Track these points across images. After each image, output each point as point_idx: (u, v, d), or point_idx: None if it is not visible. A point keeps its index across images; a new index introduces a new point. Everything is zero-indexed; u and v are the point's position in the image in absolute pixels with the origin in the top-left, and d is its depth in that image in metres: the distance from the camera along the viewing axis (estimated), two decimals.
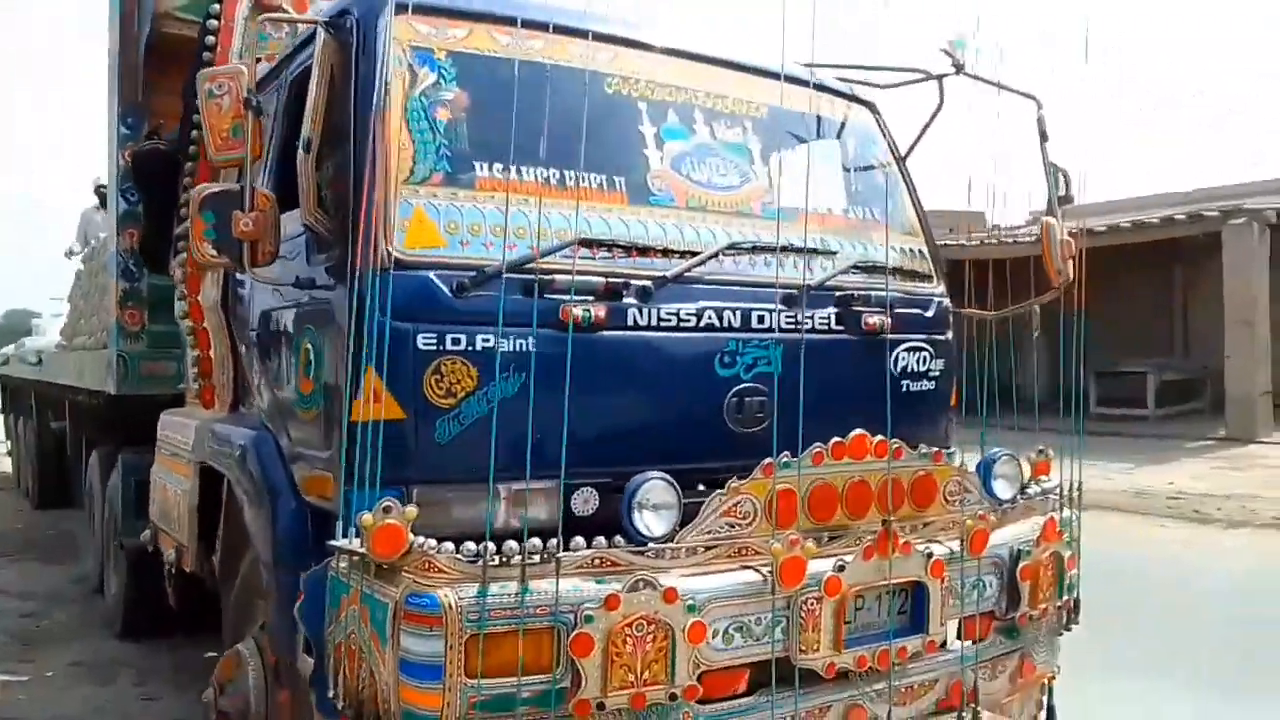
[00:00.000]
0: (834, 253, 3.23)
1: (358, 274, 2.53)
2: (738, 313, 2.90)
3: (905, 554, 2.70)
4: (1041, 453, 3.57)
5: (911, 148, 3.93)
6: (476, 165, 2.71)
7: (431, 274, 2.56)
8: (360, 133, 2.64)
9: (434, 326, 2.52)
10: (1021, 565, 3.00)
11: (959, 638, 3.02)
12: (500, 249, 2.49)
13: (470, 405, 2.53)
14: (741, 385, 2.87)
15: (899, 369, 3.29)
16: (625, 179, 2.93)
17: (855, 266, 3.26)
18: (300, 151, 2.64)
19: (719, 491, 2.50)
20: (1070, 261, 3.56)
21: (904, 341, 3.31)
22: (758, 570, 2.47)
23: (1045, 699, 3.51)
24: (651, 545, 2.40)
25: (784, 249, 2.92)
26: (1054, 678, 3.41)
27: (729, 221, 3.07)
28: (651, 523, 2.42)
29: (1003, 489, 3.16)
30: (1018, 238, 13.89)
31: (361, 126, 2.64)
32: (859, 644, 2.65)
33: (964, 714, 2.89)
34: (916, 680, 2.83)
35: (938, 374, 3.44)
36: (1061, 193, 3.73)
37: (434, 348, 2.51)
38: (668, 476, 2.48)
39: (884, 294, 3.18)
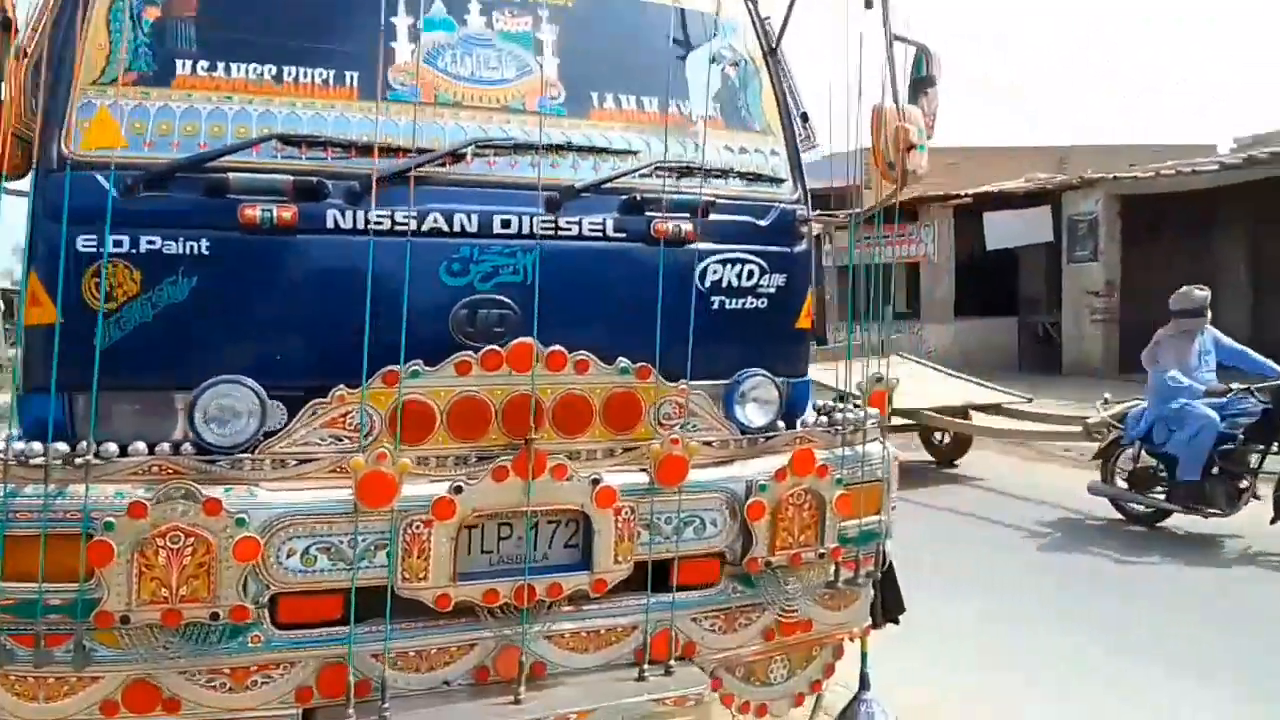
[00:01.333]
0: (630, 152, 2.88)
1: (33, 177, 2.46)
2: (474, 216, 2.60)
3: (558, 479, 2.38)
4: (880, 380, 3.13)
5: (780, 35, 3.49)
6: (181, 63, 2.56)
7: (97, 175, 2.44)
8: (58, 36, 2.56)
9: (94, 228, 2.41)
10: (750, 502, 2.61)
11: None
12: (188, 149, 2.36)
13: (133, 310, 2.40)
14: (475, 296, 2.59)
15: (707, 283, 2.91)
16: (359, 74, 2.71)
17: (660, 167, 2.91)
18: (10, 59, 2.58)
19: (319, 400, 2.28)
20: (910, 155, 3.07)
21: (716, 253, 2.92)
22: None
23: (860, 667, 3.10)
24: (232, 456, 2.21)
25: (544, 147, 2.64)
26: (855, 639, 2.98)
27: (489, 118, 2.79)
28: (219, 433, 2.23)
29: (754, 415, 2.76)
30: (1196, 167, 12.92)
31: (63, 29, 2.55)
32: (497, 577, 2.37)
33: (670, 667, 2.55)
34: (602, 624, 2.52)
35: (772, 291, 3.03)
36: (923, 73, 3.23)
37: (94, 250, 2.41)
38: (247, 380, 2.27)
39: (701, 199, 2.84)
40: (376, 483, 2.19)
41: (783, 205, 3.09)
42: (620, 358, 2.54)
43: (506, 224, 2.61)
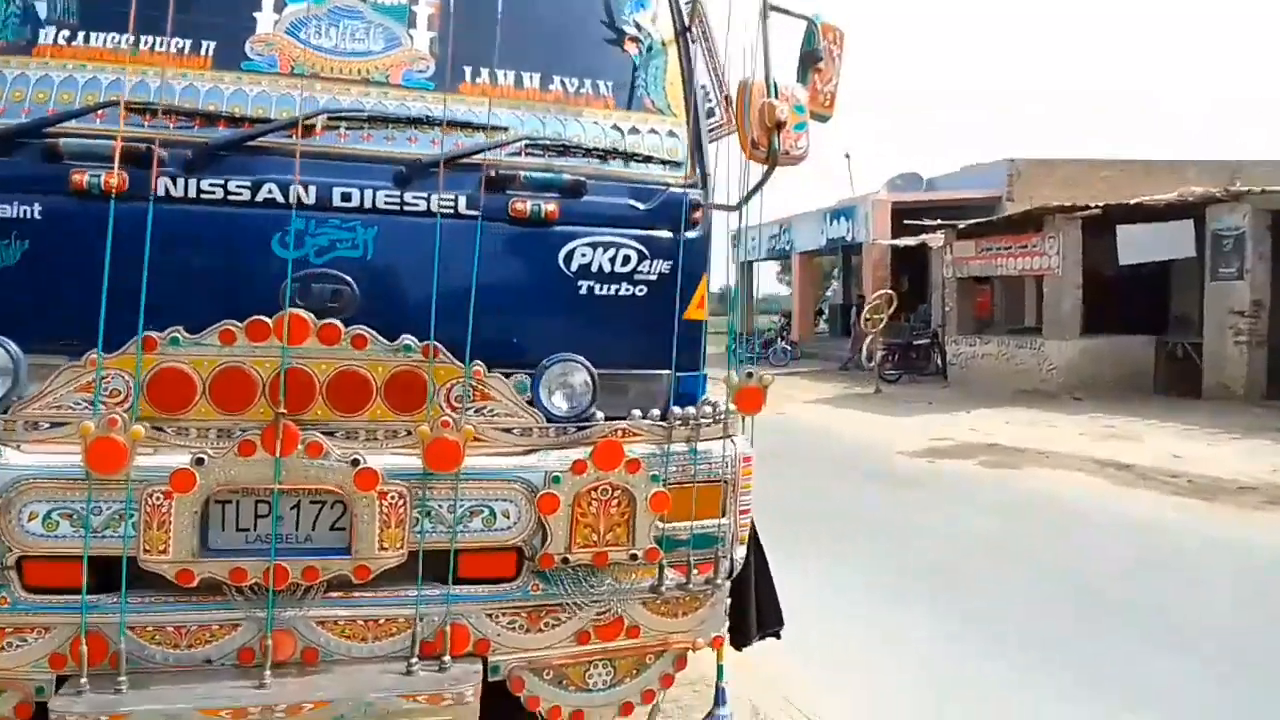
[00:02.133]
0: (498, 128, 2.81)
1: None
2: (313, 189, 2.55)
3: (313, 457, 2.30)
4: (750, 375, 2.91)
5: (692, 13, 3.33)
6: (43, 32, 2.59)
7: None
8: None
9: None
10: (542, 494, 2.45)
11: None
12: (38, 115, 2.44)
13: None
14: (310, 269, 2.58)
15: (573, 267, 2.80)
16: (217, 44, 2.75)
17: (531, 145, 2.82)
18: None
19: (74, 364, 2.29)
20: (783, 134, 2.85)
21: (585, 235, 2.81)
22: None
23: (716, 680, 2.88)
24: None
25: (399, 120, 2.64)
26: (701, 649, 2.76)
27: (346, 90, 2.78)
28: None
29: (559, 403, 2.60)
30: None
31: None
32: (250, 555, 2.31)
33: (445, 663, 2.43)
34: (379, 613, 2.42)
35: (653, 279, 2.89)
36: (811, 47, 2.99)
37: None
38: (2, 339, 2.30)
39: (577, 179, 2.75)
40: (106, 449, 2.17)
41: (672, 189, 2.92)
42: (405, 335, 2.44)
43: (347, 197, 2.56)
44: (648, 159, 2.90)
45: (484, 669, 2.48)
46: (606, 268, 2.79)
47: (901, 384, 17.94)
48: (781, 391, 17.95)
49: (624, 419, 2.60)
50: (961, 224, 16.46)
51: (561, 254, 2.76)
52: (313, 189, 2.53)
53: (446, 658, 2.43)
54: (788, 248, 26.15)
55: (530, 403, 2.57)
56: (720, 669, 2.89)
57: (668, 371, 2.86)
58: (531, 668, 2.55)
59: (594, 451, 2.50)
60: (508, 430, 2.51)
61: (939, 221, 17.06)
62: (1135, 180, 19.38)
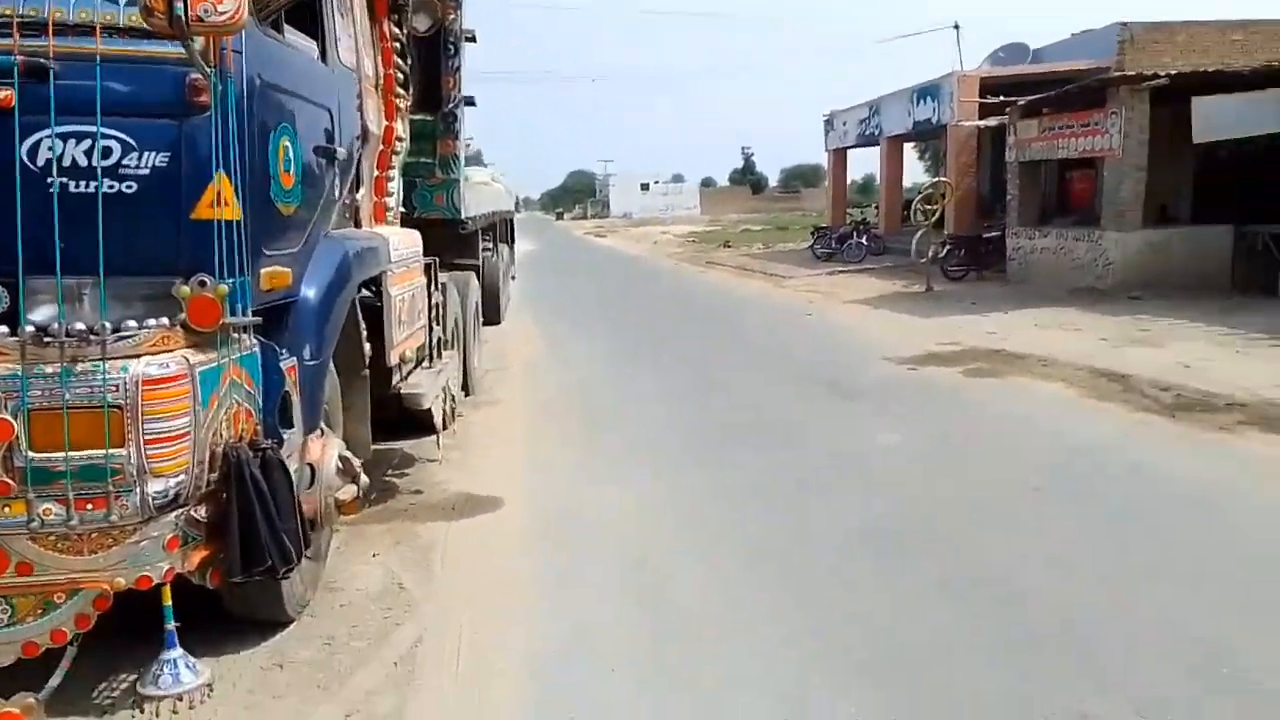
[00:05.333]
0: None
1: None
2: None
3: None
4: (204, 284, 2.59)
5: None
6: None
7: None
8: None
9: None
10: None
11: None
12: None
13: None
14: None
15: (39, 161, 2.52)
16: None
17: None
18: None
19: None
20: None
21: (47, 125, 2.50)
22: None
23: (165, 623, 2.65)
24: None
25: None
26: (122, 588, 2.53)
27: None
28: None
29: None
30: None
31: None
32: None
33: None
34: None
35: (144, 174, 2.59)
36: None
37: None
38: None
39: (34, 60, 2.46)
40: None
41: (168, 68, 2.56)
42: None
43: None
44: (133, 32, 2.53)
45: None
46: (81, 163, 2.48)
47: (967, 282, 16.69)
48: (829, 290, 17.11)
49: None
50: (1020, 100, 14.82)
51: (25, 148, 2.46)
52: None
53: None
54: (876, 132, 24.46)
55: None
56: (167, 610, 2.65)
57: (169, 279, 2.57)
58: None
59: None
60: None
61: (1020, 99, 15.32)
62: (1275, 44, 16.91)
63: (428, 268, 5.55)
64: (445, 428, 6.31)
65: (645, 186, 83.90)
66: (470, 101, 6.52)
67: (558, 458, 6.30)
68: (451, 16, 5.90)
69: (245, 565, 2.67)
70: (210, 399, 2.55)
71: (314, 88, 3.42)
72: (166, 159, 2.56)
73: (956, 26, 22.74)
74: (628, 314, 14.46)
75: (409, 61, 5.05)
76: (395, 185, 4.86)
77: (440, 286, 5.91)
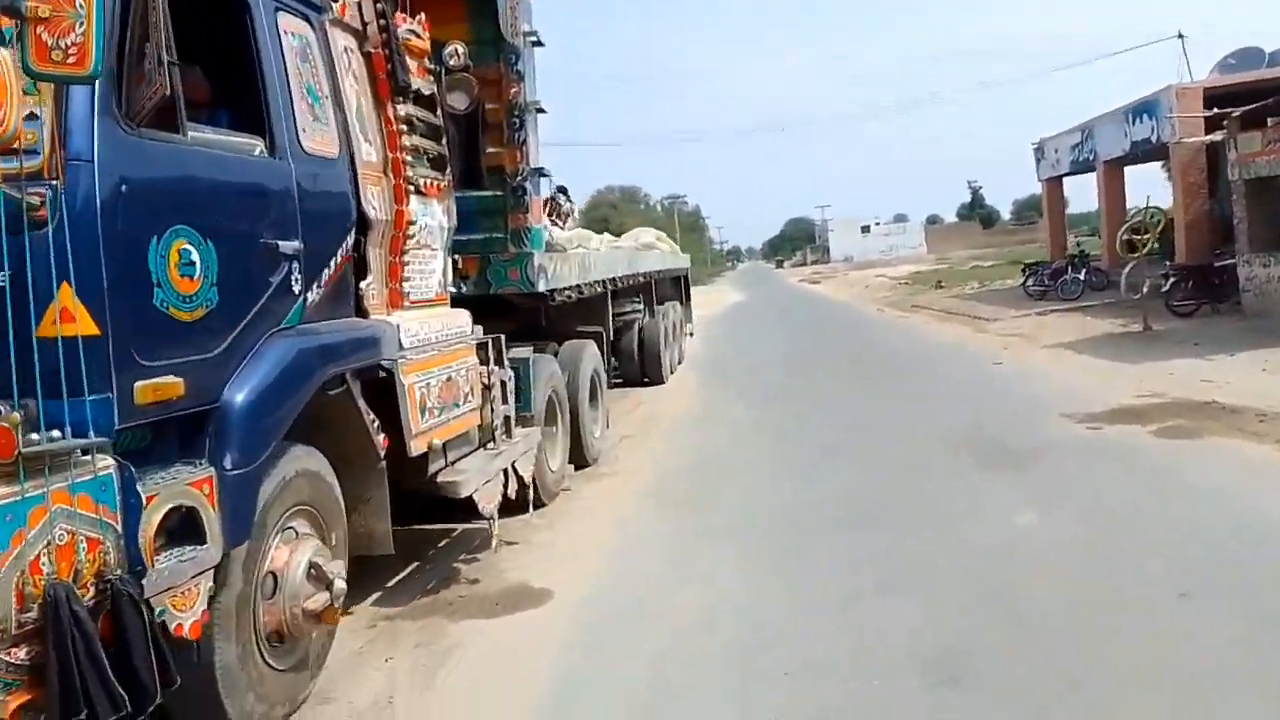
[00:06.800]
0: None
1: None
2: None
3: None
4: None
5: None
6: None
7: None
8: None
9: None
10: None
11: None
12: None
13: None
14: None
15: None
16: None
17: None
18: None
19: None
20: None
21: None
22: None
23: None
24: None
25: None
26: None
27: None
28: None
29: None
30: None
31: None
32: None
33: None
34: None
35: None
36: None
37: None
38: None
39: None
40: None
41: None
42: None
43: None
44: None
45: None
46: None
47: (1198, 318, 14.63)
48: (1031, 334, 15.53)
49: None
50: (1235, 111, 12.87)
51: None
52: None
53: None
54: (1090, 157, 22.27)
55: None
56: None
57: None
58: None
59: None
60: None
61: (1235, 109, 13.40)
62: None
63: (482, 345, 5.36)
64: (530, 508, 6.06)
65: (866, 229, 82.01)
66: (542, 172, 6.35)
67: (643, 542, 5.86)
68: (515, 90, 5.77)
69: (63, 713, 2.45)
70: (11, 538, 2.38)
71: (243, 183, 3.29)
72: (3, 277, 2.44)
73: (1181, 35, 20.42)
74: (797, 373, 13.69)
75: (444, 140, 4.91)
76: (422, 268, 4.70)
77: (508, 364, 5.68)
